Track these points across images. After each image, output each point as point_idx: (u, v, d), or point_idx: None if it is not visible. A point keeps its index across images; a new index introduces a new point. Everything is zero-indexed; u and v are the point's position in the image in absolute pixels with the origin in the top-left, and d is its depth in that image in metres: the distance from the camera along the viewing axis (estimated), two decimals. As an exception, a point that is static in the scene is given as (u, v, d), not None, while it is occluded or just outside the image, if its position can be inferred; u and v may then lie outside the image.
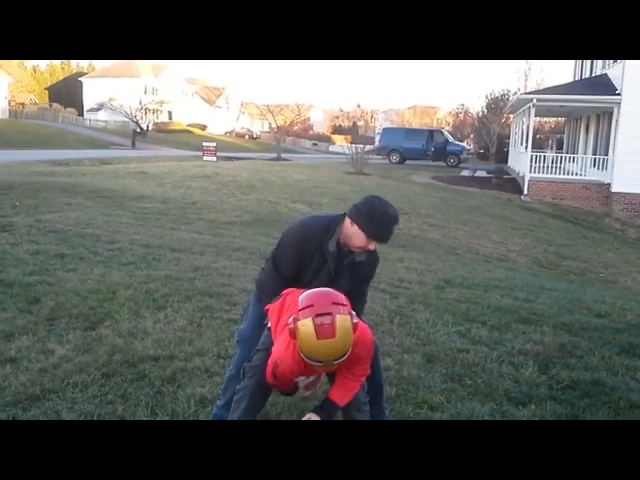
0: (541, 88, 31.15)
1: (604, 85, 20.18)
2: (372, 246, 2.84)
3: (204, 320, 4.71)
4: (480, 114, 41.41)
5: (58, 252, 6.66)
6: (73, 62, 65.88)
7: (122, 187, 13.73)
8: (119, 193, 12.54)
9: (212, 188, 14.84)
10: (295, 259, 2.87)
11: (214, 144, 29.07)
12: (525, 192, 20.67)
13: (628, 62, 18.28)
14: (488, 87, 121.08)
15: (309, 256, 2.85)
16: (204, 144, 29.53)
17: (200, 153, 28.84)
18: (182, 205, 11.89)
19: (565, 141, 30.62)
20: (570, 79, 28.82)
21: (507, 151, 33.90)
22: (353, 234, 2.82)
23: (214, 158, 27.24)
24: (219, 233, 9.25)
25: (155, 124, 51.98)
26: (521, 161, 23.48)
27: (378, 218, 2.77)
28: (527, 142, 21.52)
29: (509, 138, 35.65)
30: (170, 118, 60.61)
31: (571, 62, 30.03)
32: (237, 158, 29.14)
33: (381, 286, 6.17)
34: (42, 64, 62.84)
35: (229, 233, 9.42)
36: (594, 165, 20.70)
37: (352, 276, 2.90)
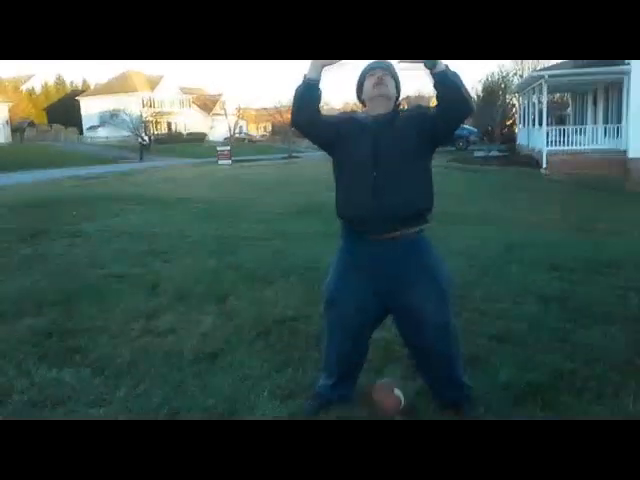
0: (539, 68, 30.61)
1: (611, 57, 19.78)
2: (374, 79, 2.69)
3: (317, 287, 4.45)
4: (479, 97, 40.85)
5: (143, 249, 6.73)
6: (67, 81, 64.27)
7: (163, 192, 13.70)
8: (164, 197, 12.51)
9: (246, 187, 15.03)
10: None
11: (228, 148, 29.87)
12: (544, 166, 20.98)
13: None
14: (483, 71, 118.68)
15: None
16: (218, 149, 30.40)
17: (213, 159, 29.49)
18: (228, 203, 11.86)
19: (572, 115, 30.67)
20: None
21: (507, 131, 35.55)
22: (363, 92, 2.76)
23: (229, 161, 27.90)
24: (276, 223, 9.13)
25: (156, 135, 51.08)
26: (535, 137, 24.13)
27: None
28: (542, 118, 22.11)
29: (510, 118, 38.24)
30: (169, 129, 59.43)
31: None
32: (249, 160, 29.28)
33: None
34: (37, 86, 61.47)
35: (285, 223, 9.24)
36: (606, 135, 21.23)
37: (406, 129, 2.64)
